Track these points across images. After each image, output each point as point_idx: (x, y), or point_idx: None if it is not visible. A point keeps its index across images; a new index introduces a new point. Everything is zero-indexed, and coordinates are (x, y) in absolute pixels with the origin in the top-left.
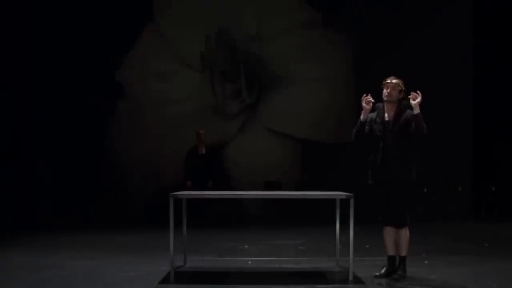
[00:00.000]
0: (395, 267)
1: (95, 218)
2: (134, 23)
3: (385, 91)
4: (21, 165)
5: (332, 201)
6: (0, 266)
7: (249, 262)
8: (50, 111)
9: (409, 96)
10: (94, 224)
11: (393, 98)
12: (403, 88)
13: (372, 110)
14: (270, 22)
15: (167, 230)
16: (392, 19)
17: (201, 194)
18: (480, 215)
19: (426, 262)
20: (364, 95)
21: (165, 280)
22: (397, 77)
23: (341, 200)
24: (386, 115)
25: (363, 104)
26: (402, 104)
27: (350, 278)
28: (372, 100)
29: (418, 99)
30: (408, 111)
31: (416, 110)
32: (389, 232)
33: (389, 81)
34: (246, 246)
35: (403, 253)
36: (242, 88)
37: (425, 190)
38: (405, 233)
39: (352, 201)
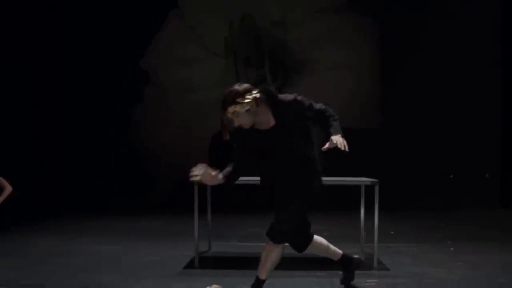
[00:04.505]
0: None
1: (120, 204)
2: (158, 10)
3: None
4: (47, 151)
5: (357, 187)
6: (28, 251)
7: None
8: (76, 98)
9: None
10: (119, 210)
11: (250, 121)
12: (245, 100)
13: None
14: (294, 6)
15: (191, 216)
16: (419, 2)
17: None
18: (507, 202)
19: (452, 249)
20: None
21: (189, 265)
22: (229, 98)
23: (366, 186)
24: (257, 127)
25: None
26: (267, 97)
27: (375, 264)
28: (199, 175)
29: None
30: (289, 102)
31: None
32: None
33: (226, 116)
34: None
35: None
36: (266, 74)
37: (451, 176)
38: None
39: (377, 188)
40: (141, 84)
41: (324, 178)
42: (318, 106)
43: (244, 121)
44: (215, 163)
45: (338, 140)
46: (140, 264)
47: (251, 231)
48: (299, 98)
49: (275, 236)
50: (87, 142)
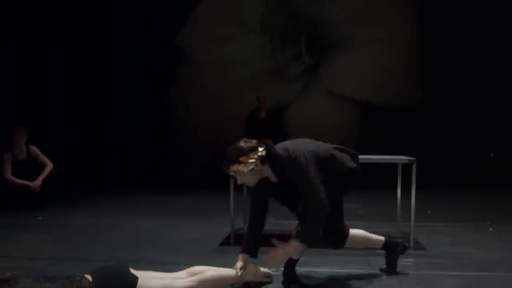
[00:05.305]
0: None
1: (157, 181)
2: None
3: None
4: (86, 128)
5: (394, 165)
6: (69, 225)
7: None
8: (113, 76)
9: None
10: (156, 187)
11: (254, 180)
12: (249, 160)
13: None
14: None
15: (227, 193)
16: None
17: None
18: None
19: (490, 229)
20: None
21: (225, 241)
22: (232, 156)
23: (403, 164)
24: (269, 180)
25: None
26: (269, 155)
27: (411, 244)
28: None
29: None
30: (286, 163)
31: (295, 251)
32: None
33: (230, 173)
34: None
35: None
36: (302, 50)
37: (491, 155)
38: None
39: (414, 166)
40: (177, 62)
41: (367, 156)
42: (308, 188)
43: (248, 181)
44: None
45: (275, 255)
46: (176, 240)
47: (287, 209)
48: (300, 167)
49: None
50: (124, 119)
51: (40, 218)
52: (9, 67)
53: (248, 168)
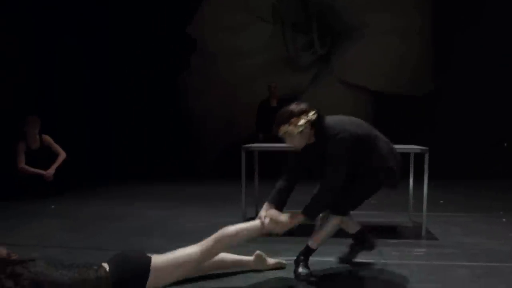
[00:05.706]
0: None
1: (168, 170)
2: None
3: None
4: (97, 118)
5: (406, 155)
6: (81, 214)
7: (320, 215)
8: (124, 65)
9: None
10: (167, 176)
11: (302, 143)
12: (299, 122)
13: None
14: None
15: (239, 182)
16: None
17: (273, 146)
18: None
19: (504, 220)
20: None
21: None
22: (283, 117)
23: (415, 154)
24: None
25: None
26: (318, 124)
27: (423, 233)
28: (267, 221)
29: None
30: (324, 137)
31: (297, 220)
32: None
33: (280, 133)
34: None
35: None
36: (314, 40)
37: (505, 145)
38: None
39: (426, 156)
40: (188, 51)
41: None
42: (330, 164)
43: (296, 143)
44: (262, 129)
45: (269, 219)
46: (187, 229)
47: (299, 198)
48: (337, 145)
49: (337, 207)
50: (134, 109)
51: (53, 207)
52: (15, 66)
53: (298, 130)
